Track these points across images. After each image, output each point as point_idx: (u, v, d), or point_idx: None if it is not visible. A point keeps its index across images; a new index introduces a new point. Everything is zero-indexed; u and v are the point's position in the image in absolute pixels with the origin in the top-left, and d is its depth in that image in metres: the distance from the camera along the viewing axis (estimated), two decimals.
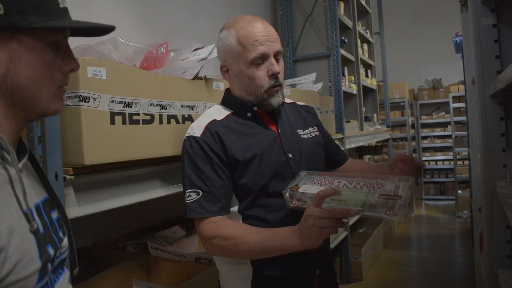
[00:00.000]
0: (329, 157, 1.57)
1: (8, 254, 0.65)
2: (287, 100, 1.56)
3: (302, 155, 1.40)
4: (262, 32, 1.32)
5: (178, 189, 1.61)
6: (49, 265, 0.75)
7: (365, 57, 5.31)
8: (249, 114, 1.39)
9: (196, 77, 1.64)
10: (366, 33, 5.54)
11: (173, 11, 2.93)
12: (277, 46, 1.35)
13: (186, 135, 1.35)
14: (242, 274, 1.34)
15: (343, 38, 4.37)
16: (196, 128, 1.33)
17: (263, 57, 1.32)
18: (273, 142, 1.36)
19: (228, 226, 1.25)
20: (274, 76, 1.34)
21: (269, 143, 1.35)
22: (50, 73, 0.77)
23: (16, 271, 0.66)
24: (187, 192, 1.30)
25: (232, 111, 1.40)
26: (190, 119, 1.60)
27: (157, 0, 2.79)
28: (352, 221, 3.98)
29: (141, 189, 1.46)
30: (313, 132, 1.50)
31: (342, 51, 4.15)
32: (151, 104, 1.43)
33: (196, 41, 1.77)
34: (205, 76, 1.72)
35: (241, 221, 1.33)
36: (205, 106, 1.68)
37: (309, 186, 1.21)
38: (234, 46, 1.34)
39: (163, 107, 1.48)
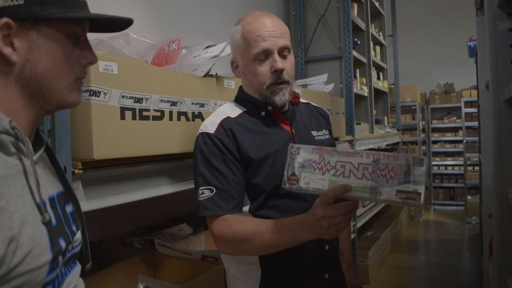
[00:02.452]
0: None
1: (19, 244, 0.65)
2: (302, 100, 1.53)
3: None
4: (266, 28, 1.29)
5: (186, 186, 1.61)
6: (60, 258, 0.75)
7: (377, 59, 5.27)
8: (263, 113, 1.37)
9: (207, 75, 1.64)
10: (379, 35, 5.50)
11: (185, 8, 2.94)
12: (282, 42, 1.31)
13: (199, 131, 1.32)
14: (251, 275, 1.33)
15: (355, 39, 4.34)
16: (210, 125, 1.31)
17: (266, 53, 1.29)
18: (287, 142, 1.30)
19: (238, 222, 1.22)
20: (276, 72, 1.30)
21: (282, 143, 1.32)
22: (68, 64, 0.78)
23: (26, 262, 0.66)
24: (200, 189, 1.27)
25: (245, 109, 1.38)
26: (200, 116, 1.60)
27: None
28: (359, 223, 3.96)
29: (150, 186, 1.45)
30: (326, 134, 1.48)
31: (355, 53, 4.13)
32: (161, 101, 1.42)
33: (208, 39, 1.76)
34: (216, 74, 1.71)
35: None
36: (215, 104, 1.68)
37: (309, 175, 1.09)
38: (239, 42, 1.33)
39: (173, 103, 1.48)
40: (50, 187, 0.81)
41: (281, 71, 1.30)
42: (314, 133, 1.44)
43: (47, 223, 0.72)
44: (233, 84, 1.78)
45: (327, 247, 1.36)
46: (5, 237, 0.63)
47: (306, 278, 1.33)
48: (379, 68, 5.52)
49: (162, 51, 1.66)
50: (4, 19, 0.71)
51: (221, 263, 1.72)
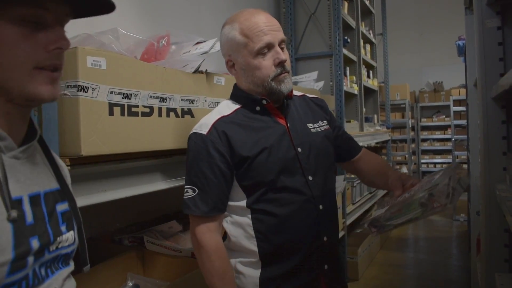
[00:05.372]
0: (341, 149, 1.57)
1: None
2: (297, 93, 1.55)
3: (311, 149, 1.39)
4: (265, 23, 1.34)
5: (175, 183, 1.60)
6: (30, 259, 0.70)
7: (368, 57, 5.29)
8: (258, 108, 1.39)
9: (197, 71, 1.63)
10: (369, 33, 5.52)
11: (175, 4, 2.92)
12: (281, 35, 1.37)
13: (193, 131, 1.36)
14: (252, 267, 1.36)
15: (346, 37, 4.35)
16: (204, 126, 1.34)
17: (269, 47, 1.33)
18: (282, 136, 1.36)
19: (212, 239, 1.30)
20: (281, 64, 1.35)
21: (278, 137, 1.35)
22: (20, 51, 0.70)
23: None
24: (185, 187, 1.34)
25: (241, 105, 1.41)
26: (189, 113, 1.59)
27: None
28: (349, 221, 3.98)
29: (139, 182, 1.44)
30: (323, 126, 1.49)
31: (345, 51, 4.14)
32: (150, 97, 1.41)
33: (198, 35, 1.75)
34: (206, 70, 1.70)
35: (250, 216, 1.34)
36: (205, 100, 1.67)
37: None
38: (238, 38, 1.35)
39: (162, 99, 1.46)
40: (36, 184, 0.77)
41: (284, 61, 1.35)
42: (310, 125, 1.45)
43: (14, 221, 0.68)
44: (222, 81, 1.78)
45: (325, 238, 1.38)
46: None
47: (305, 269, 1.35)
48: (369, 66, 5.55)
49: (152, 47, 1.65)
50: None
51: None
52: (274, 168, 1.31)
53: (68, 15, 0.77)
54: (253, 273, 1.35)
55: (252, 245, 1.34)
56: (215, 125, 1.33)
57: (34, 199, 0.75)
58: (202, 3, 3.23)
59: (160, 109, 1.46)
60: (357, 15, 4.72)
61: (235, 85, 1.47)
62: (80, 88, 1.18)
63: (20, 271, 0.68)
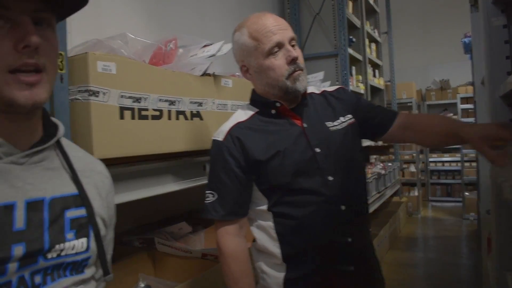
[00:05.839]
0: (374, 125, 1.48)
1: None
2: (316, 91, 1.52)
3: (330, 148, 1.36)
4: (273, 23, 1.34)
5: (185, 185, 1.62)
6: (11, 265, 0.69)
7: (373, 56, 5.29)
8: (273, 111, 1.39)
9: (204, 74, 1.65)
10: (374, 32, 5.52)
11: (181, 8, 2.94)
12: (290, 33, 1.35)
13: (212, 137, 1.40)
14: (276, 270, 1.37)
15: (351, 37, 4.35)
16: (221, 132, 1.38)
17: (279, 46, 1.33)
18: (298, 138, 1.35)
19: (230, 243, 1.35)
20: (293, 61, 1.33)
21: (293, 139, 1.35)
22: None
23: None
24: (206, 192, 1.38)
25: (257, 110, 1.41)
26: (198, 115, 1.61)
27: None
28: None
29: (149, 184, 1.46)
30: (344, 122, 1.43)
31: (350, 50, 4.14)
32: (160, 100, 1.43)
33: (204, 38, 1.77)
34: (214, 73, 1.72)
35: (272, 219, 1.35)
36: (213, 102, 1.68)
37: None
38: (248, 42, 1.35)
39: (171, 103, 1.48)
40: (40, 189, 0.76)
41: (296, 58, 1.34)
42: (329, 123, 1.41)
43: None
44: (230, 83, 1.79)
45: (349, 239, 1.35)
46: None
47: (328, 271, 1.34)
48: (375, 65, 5.54)
49: (159, 51, 1.66)
50: None
51: None
52: (289, 170, 1.31)
53: (39, 11, 0.72)
54: (277, 274, 1.36)
55: (276, 248, 1.35)
56: (230, 132, 1.36)
57: (33, 205, 0.74)
58: (207, 7, 3.24)
59: (169, 112, 1.48)
60: (362, 14, 4.72)
61: (253, 90, 1.47)
62: (91, 93, 1.20)
63: None
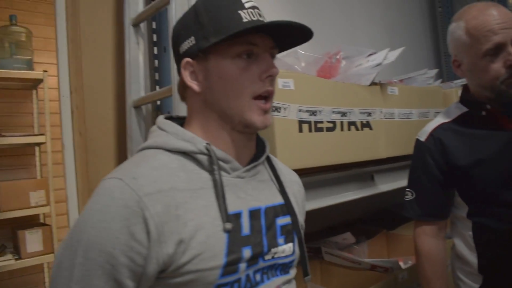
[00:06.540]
0: None
1: (189, 246, 0.73)
2: None
3: None
4: (496, 20, 1.19)
5: (354, 195, 1.62)
6: (242, 265, 0.79)
7: None
8: (483, 113, 1.28)
9: (372, 83, 1.63)
10: None
11: (330, 17, 2.96)
12: None
13: (416, 136, 1.41)
14: (471, 276, 1.32)
15: None
16: (424, 132, 1.37)
17: (498, 48, 1.19)
18: (507, 145, 1.22)
19: (425, 243, 1.33)
20: None
21: (501, 146, 1.22)
22: (238, 83, 0.82)
23: (194, 262, 0.73)
24: (406, 190, 1.40)
25: (466, 110, 1.33)
26: (368, 125, 1.60)
27: (315, 6, 2.85)
28: None
29: (325, 194, 1.51)
30: None
31: None
32: (333, 112, 1.46)
33: (353, 45, 1.76)
34: (380, 81, 1.69)
35: (471, 228, 1.28)
36: (381, 111, 1.66)
37: None
38: (463, 38, 1.25)
39: (343, 114, 1.50)
40: (257, 199, 0.86)
41: None
42: None
43: (229, 232, 0.78)
44: (396, 91, 1.75)
45: None
46: (176, 239, 0.72)
47: None
48: None
49: (326, 64, 1.70)
50: (185, 60, 0.84)
51: (392, 273, 1.69)
52: (493, 180, 1.21)
53: (274, 48, 0.88)
54: (473, 285, 1.30)
55: (473, 257, 1.28)
56: (432, 132, 1.33)
57: (254, 213, 0.85)
58: (355, 14, 3.22)
59: (341, 123, 1.49)
60: None
61: (464, 87, 1.38)
62: (274, 109, 1.28)
63: (231, 275, 0.78)
